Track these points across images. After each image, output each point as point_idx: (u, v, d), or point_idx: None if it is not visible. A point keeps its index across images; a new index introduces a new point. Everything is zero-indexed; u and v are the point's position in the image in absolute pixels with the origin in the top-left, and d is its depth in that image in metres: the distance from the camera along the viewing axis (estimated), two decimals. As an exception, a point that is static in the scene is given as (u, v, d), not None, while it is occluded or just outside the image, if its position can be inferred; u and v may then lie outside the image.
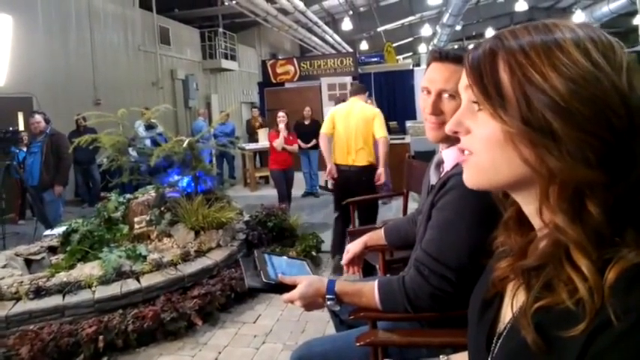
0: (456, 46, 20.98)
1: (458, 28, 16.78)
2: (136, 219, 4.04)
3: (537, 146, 0.51)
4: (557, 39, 0.53)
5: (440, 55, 1.30)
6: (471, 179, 0.59)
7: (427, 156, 5.70)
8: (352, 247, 1.76)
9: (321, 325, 3.04)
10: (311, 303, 1.25)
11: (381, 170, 3.89)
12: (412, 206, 3.70)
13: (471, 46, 0.66)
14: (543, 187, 0.53)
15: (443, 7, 14.45)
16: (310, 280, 1.26)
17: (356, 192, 3.59)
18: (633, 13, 14.43)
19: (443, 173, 1.35)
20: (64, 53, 8.90)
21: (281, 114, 6.16)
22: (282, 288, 1.26)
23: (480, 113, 0.56)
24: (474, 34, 22.74)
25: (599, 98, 0.49)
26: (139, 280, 3.18)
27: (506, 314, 0.61)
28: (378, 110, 4.11)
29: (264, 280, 1.24)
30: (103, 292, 3.02)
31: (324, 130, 4.06)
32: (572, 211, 0.51)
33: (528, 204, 0.58)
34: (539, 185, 0.54)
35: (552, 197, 0.53)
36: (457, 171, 1.25)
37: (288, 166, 6.01)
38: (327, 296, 1.25)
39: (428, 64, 1.35)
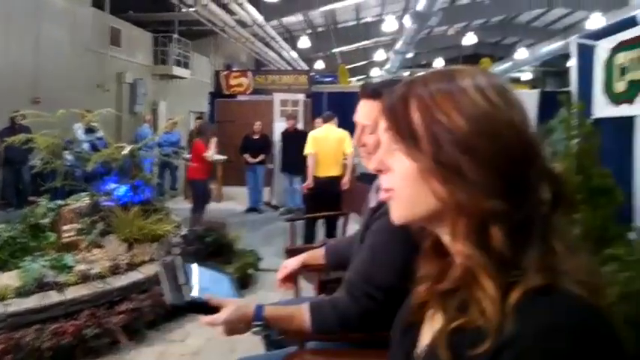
0: (407, 73, 21.73)
1: (409, 55, 17.36)
2: (65, 227, 3.85)
3: (447, 182, 0.56)
4: (459, 84, 0.59)
5: (362, 92, 1.41)
6: (395, 214, 0.64)
7: (372, 178, 5.91)
8: (289, 264, 1.75)
9: (251, 344, 2.96)
10: (233, 329, 1.19)
11: (346, 179, 5.22)
12: (352, 228, 3.76)
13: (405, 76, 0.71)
14: (453, 219, 0.58)
15: (397, 35, 14.93)
16: (237, 304, 1.19)
17: (331, 194, 4.97)
18: (568, 55, 15.52)
19: (380, 197, 1.40)
20: (3, 46, 8.42)
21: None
22: (205, 308, 1.16)
23: (398, 153, 0.61)
24: (424, 62, 23.63)
25: (497, 134, 0.55)
26: (62, 293, 3.01)
27: (425, 337, 0.64)
28: (346, 132, 5.18)
29: (188, 298, 1.12)
30: (19, 304, 2.83)
31: (311, 150, 5.25)
32: (477, 240, 0.56)
33: (444, 234, 0.62)
34: (449, 217, 0.58)
35: (461, 228, 0.57)
36: None
37: (210, 177, 6.37)
38: (255, 322, 1.19)
39: None
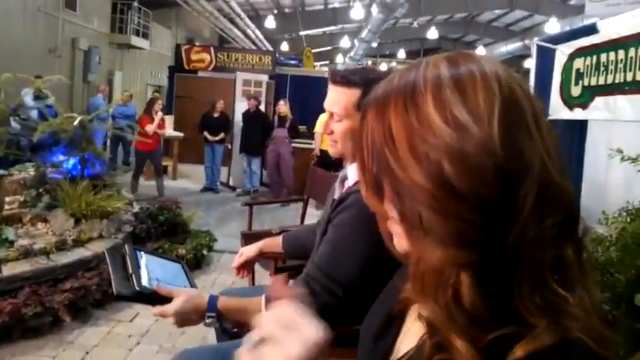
0: (369, 62, 21.81)
1: (374, 44, 17.43)
2: (7, 198, 3.63)
3: (410, 234, 0.49)
4: (422, 108, 0.47)
5: (332, 77, 1.35)
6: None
7: (328, 164, 6.05)
8: (246, 251, 1.72)
9: (201, 328, 2.93)
10: (185, 320, 1.15)
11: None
12: (310, 212, 3.76)
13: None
14: (416, 271, 0.53)
15: (363, 23, 14.91)
16: (189, 294, 1.15)
17: (331, 161, 5.35)
18: (525, 56, 16.08)
19: (345, 189, 1.37)
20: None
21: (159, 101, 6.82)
22: (155, 299, 1.12)
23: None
24: (387, 52, 23.82)
25: (466, 176, 0.44)
26: None
27: (404, 341, 0.59)
28: None
29: (137, 288, 1.08)
30: (-49, 279, 2.66)
31: (318, 129, 6.24)
32: (443, 296, 0.49)
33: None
34: (411, 268, 0.54)
35: (425, 281, 0.53)
36: (357, 188, 1.28)
37: (154, 148, 6.68)
38: (208, 314, 1.16)
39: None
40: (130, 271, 1.12)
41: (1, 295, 2.72)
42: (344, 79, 1.32)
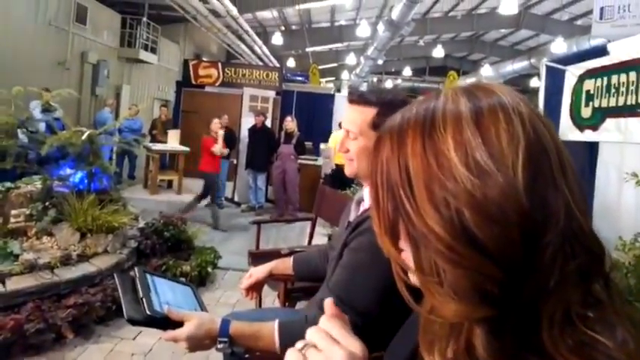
0: (375, 79, 21.89)
1: (380, 62, 17.54)
2: (13, 211, 3.61)
3: (424, 283, 0.46)
4: (442, 148, 0.44)
5: (349, 96, 1.38)
6: None
7: (336, 180, 6.03)
8: (256, 273, 1.69)
9: (206, 347, 2.89)
10: (197, 345, 1.13)
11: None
12: (317, 231, 3.72)
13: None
14: (426, 321, 0.51)
15: (369, 40, 15.03)
16: (201, 319, 1.14)
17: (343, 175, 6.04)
18: (531, 75, 16.11)
19: (361, 211, 1.35)
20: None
21: (216, 120, 6.58)
22: (167, 323, 1.11)
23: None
24: (393, 70, 23.96)
25: (488, 226, 0.41)
26: (4, 283, 2.82)
27: None
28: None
29: (148, 312, 1.07)
30: (-46, 294, 2.63)
31: (330, 144, 7.22)
32: (454, 348, 0.48)
33: None
34: (422, 317, 0.51)
35: (436, 331, 0.50)
36: None
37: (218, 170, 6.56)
38: (220, 339, 1.15)
39: None
40: (141, 294, 1.10)
41: (3, 310, 2.68)
42: (360, 97, 1.34)
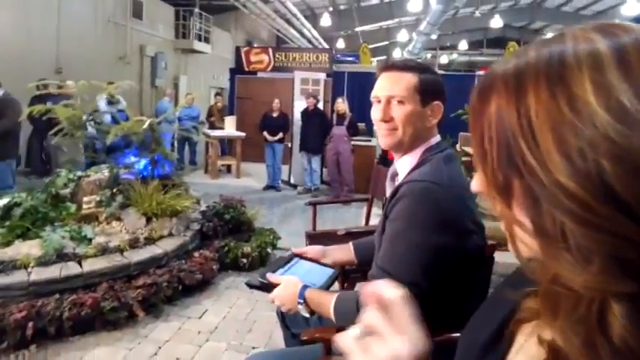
0: (429, 55, 21.24)
1: (433, 37, 16.96)
2: (85, 198, 3.84)
3: (546, 248, 0.40)
4: (572, 90, 0.38)
5: (385, 65, 1.37)
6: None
7: (388, 159, 5.91)
8: (311, 251, 1.68)
9: (268, 326, 2.96)
10: (287, 305, 1.30)
11: None
12: (374, 212, 3.69)
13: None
14: (548, 291, 0.43)
15: (421, 15, 14.57)
16: (288, 282, 1.31)
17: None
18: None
19: (396, 186, 1.33)
20: (26, 21, 8.40)
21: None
22: (270, 287, 1.33)
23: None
24: (447, 44, 23.14)
25: (633, 181, 0.36)
26: (80, 264, 3.02)
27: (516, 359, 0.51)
28: None
29: (259, 278, 1.34)
30: (40, 274, 2.84)
31: None
32: (584, 324, 0.40)
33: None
34: (542, 286, 0.44)
35: (561, 303, 0.43)
36: (408, 179, 1.23)
37: None
38: (298, 300, 1.28)
39: (376, 78, 1.38)
40: (267, 269, 1.39)
41: (82, 289, 2.88)
42: (400, 63, 1.34)
